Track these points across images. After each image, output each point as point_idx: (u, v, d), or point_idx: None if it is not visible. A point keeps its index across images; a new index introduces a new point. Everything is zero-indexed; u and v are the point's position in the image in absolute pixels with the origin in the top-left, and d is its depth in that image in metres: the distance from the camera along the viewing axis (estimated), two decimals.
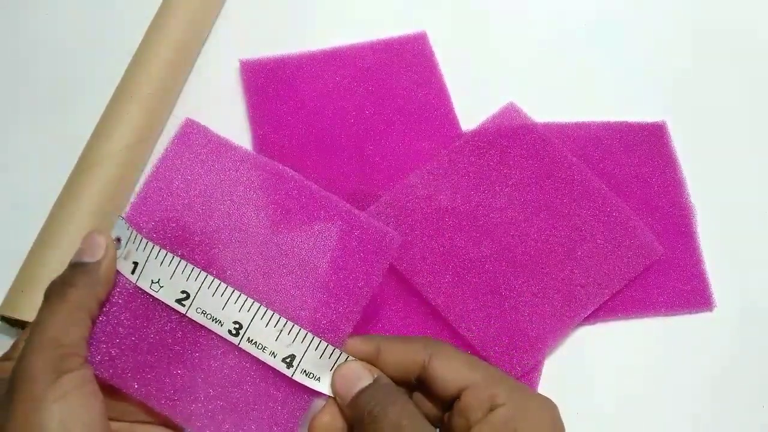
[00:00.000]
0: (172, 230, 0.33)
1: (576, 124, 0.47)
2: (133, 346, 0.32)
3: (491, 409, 0.30)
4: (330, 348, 0.32)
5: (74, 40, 0.50)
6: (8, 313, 0.39)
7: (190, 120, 0.34)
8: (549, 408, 0.31)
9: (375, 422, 0.29)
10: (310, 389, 0.32)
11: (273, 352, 0.32)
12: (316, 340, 0.32)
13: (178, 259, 0.32)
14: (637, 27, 0.53)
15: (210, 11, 0.50)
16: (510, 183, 0.44)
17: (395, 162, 0.46)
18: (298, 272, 0.33)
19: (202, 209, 0.33)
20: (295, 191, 0.34)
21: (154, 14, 0.48)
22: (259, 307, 0.32)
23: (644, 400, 0.41)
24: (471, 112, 0.47)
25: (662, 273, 0.43)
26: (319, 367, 0.32)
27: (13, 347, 0.32)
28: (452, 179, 0.44)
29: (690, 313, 0.43)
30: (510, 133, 0.45)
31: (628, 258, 0.42)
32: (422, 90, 0.48)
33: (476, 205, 0.43)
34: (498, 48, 0.51)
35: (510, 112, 0.46)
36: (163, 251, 0.32)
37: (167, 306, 0.32)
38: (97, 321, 0.32)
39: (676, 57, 0.52)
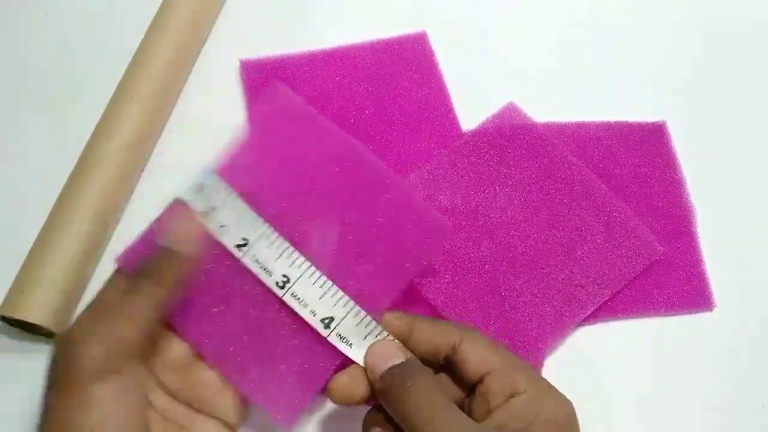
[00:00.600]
0: (247, 178, 0.35)
1: (576, 124, 0.47)
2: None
3: (511, 396, 0.31)
4: (368, 318, 0.33)
5: (74, 40, 0.50)
6: (8, 313, 0.39)
7: (276, 84, 0.37)
8: (566, 402, 0.32)
9: (406, 393, 0.30)
10: (340, 353, 0.33)
11: (313, 311, 0.33)
12: (357, 308, 0.34)
13: (246, 205, 0.34)
14: (637, 27, 0.53)
15: (210, 11, 0.50)
16: (510, 183, 0.44)
17: (395, 162, 0.46)
18: (353, 242, 0.35)
19: (280, 166, 0.36)
20: (368, 167, 0.37)
21: (154, 14, 0.48)
22: (310, 266, 0.34)
23: (644, 400, 0.41)
24: (471, 112, 0.47)
25: (662, 273, 0.43)
26: (354, 334, 0.33)
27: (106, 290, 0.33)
28: (452, 179, 0.44)
29: (690, 313, 0.43)
30: (510, 133, 0.45)
31: (628, 258, 0.42)
32: (422, 90, 0.48)
33: (476, 205, 0.43)
34: (498, 48, 0.51)
35: (510, 112, 0.46)
36: (234, 195, 0.34)
37: (223, 251, 0.34)
38: None
39: (676, 57, 0.52)
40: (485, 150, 0.45)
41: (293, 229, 0.35)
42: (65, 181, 0.43)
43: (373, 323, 0.33)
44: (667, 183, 0.46)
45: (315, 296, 0.33)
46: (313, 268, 0.34)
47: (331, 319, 0.33)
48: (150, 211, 0.45)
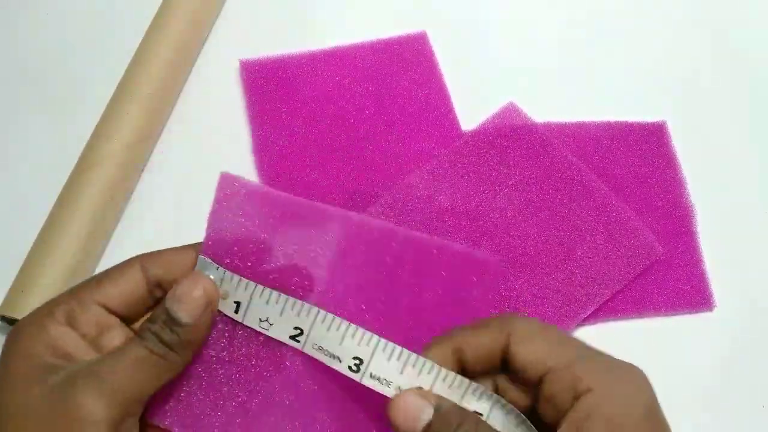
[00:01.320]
0: (260, 270, 0.31)
1: (576, 124, 0.47)
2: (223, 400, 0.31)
3: (576, 396, 0.27)
4: (458, 378, 0.30)
5: (74, 40, 0.50)
6: (8, 313, 0.39)
7: (227, 176, 0.32)
8: (639, 379, 0.28)
9: None
10: None
11: (399, 387, 0.29)
12: (444, 371, 0.29)
13: (286, 296, 0.30)
14: (637, 27, 0.53)
15: (210, 11, 0.50)
16: (510, 183, 0.44)
17: (395, 162, 0.46)
18: (406, 310, 0.32)
19: (280, 258, 0.32)
20: (365, 228, 0.32)
21: (154, 14, 0.48)
22: (379, 341, 0.30)
23: None
24: (471, 112, 0.47)
25: (662, 273, 0.43)
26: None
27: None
28: (452, 179, 0.44)
29: (690, 313, 0.43)
30: (510, 133, 0.45)
31: (628, 258, 0.42)
32: (422, 90, 0.48)
33: (476, 206, 0.43)
34: (498, 48, 0.51)
35: (510, 112, 0.46)
36: (268, 290, 0.30)
37: (263, 353, 0.31)
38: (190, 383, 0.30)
39: (676, 57, 0.52)
40: (485, 150, 0.45)
41: (339, 306, 0.31)
42: (65, 181, 0.43)
43: (466, 381, 0.29)
44: (667, 183, 0.46)
45: (395, 371, 0.29)
46: (383, 342, 0.29)
47: (420, 388, 0.29)
48: (150, 211, 0.45)
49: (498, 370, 0.30)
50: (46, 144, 0.47)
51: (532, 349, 0.29)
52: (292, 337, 0.30)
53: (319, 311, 0.30)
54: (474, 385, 0.29)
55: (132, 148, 0.44)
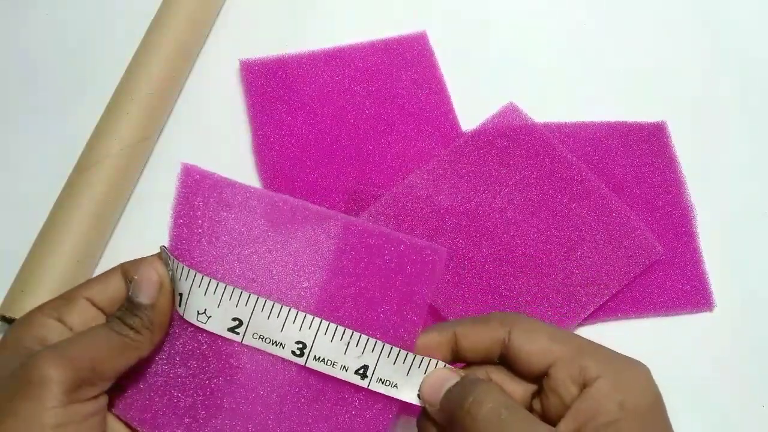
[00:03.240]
0: (214, 260, 0.31)
1: (576, 124, 0.47)
2: (181, 392, 0.31)
3: (585, 384, 0.28)
4: (403, 353, 0.31)
5: (74, 40, 0.50)
6: (8, 313, 0.39)
7: (188, 167, 0.33)
8: (644, 372, 0.29)
9: (471, 417, 0.27)
10: (390, 398, 0.31)
11: (344, 366, 0.30)
12: (387, 346, 0.30)
13: (224, 284, 0.30)
14: (638, 27, 0.53)
15: (210, 11, 0.50)
16: (510, 183, 0.44)
17: (395, 162, 0.46)
18: (352, 296, 0.32)
19: (236, 249, 0.32)
20: (323, 221, 0.32)
21: (155, 14, 0.48)
22: (321, 322, 0.30)
23: None
24: (471, 112, 0.47)
25: (662, 273, 0.43)
26: (394, 374, 0.31)
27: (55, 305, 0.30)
28: (452, 179, 0.44)
29: (690, 313, 0.43)
30: (510, 134, 0.45)
31: (628, 258, 0.42)
32: (422, 90, 0.48)
33: (476, 206, 0.43)
34: (498, 48, 0.51)
35: (510, 112, 0.46)
36: (207, 278, 0.30)
37: (215, 341, 0.31)
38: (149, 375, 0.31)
39: (676, 57, 0.52)
40: (485, 150, 0.45)
41: (283, 293, 0.31)
42: (65, 181, 0.43)
43: (411, 355, 0.31)
44: (667, 183, 0.46)
45: (339, 351, 0.30)
46: (325, 323, 0.30)
47: (365, 367, 0.30)
48: (150, 211, 0.45)
49: (494, 363, 0.31)
50: (46, 144, 0.47)
51: (536, 343, 0.29)
52: (231, 329, 0.30)
53: (258, 299, 0.30)
54: (419, 359, 0.30)
55: (132, 148, 0.44)
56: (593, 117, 0.48)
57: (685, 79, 0.51)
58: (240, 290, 0.30)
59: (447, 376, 0.30)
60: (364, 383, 0.30)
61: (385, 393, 0.31)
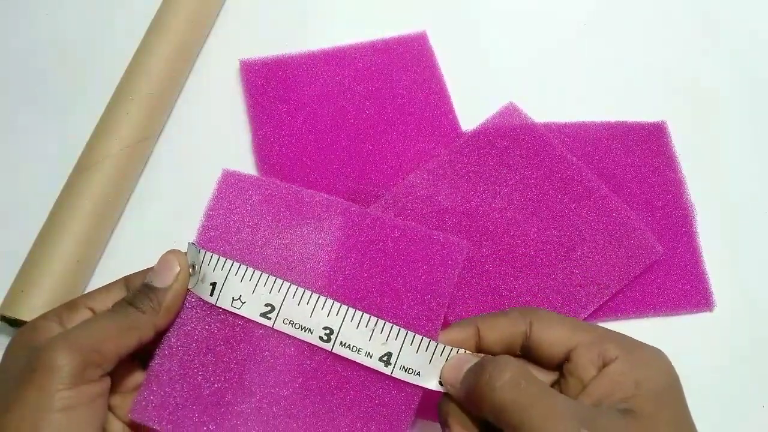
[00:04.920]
0: (246, 251, 0.33)
1: (576, 124, 0.47)
2: (199, 383, 0.32)
3: (604, 365, 0.29)
4: (426, 341, 0.32)
5: (74, 40, 0.50)
6: (8, 313, 0.39)
7: (228, 173, 0.35)
8: (663, 357, 0.30)
9: (489, 387, 0.28)
10: (411, 385, 0.32)
11: (369, 353, 0.32)
12: (410, 334, 0.32)
13: (259, 272, 0.32)
14: (638, 27, 0.53)
15: (210, 11, 0.50)
16: (510, 183, 0.44)
17: (395, 162, 0.46)
18: (377, 286, 0.33)
19: (272, 233, 0.34)
20: (351, 216, 0.35)
21: (155, 14, 0.48)
22: (348, 310, 0.32)
23: None
24: (471, 112, 0.47)
25: (662, 273, 0.43)
26: (417, 362, 0.32)
27: (71, 306, 0.32)
28: (452, 179, 0.44)
29: (690, 313, 0.43)
30: (510, 134, 0.45)
31: (628, 258, 0.42)
32: (422, 90, 0.48)
33: (476, 206, 0.43)
34: (498, 48, 0.51)
35: (510, 112, 0.46)
36: (244, 266, 0.32)
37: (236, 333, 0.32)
38: (159, 363, 0.32)
39: (676, 57, 0.52)
40: (485, 150, 0.45)
41: (313, 282, 0.33)
42: (65, 181, 0.43)
43: (433, 343, 0.32)
44: (667, 183, 0.46)
45: (364, 338, 0.32)
46: (352, 311, 0.32)
47: (389, 354, 0.32)
48: (150, 210, 0.45)
49: (515, 355, 0.32)
50: (46, 144, 0.47)
51: (557, 331, 0.30)
52: (263, 315, 0.32)
53: (290, 286, 0.32)
54: (441, 347, 0.32)
55: (132, 148, 0.44)
56: (593, 117, 0.48)
57: (685, 79, 0.51)
58: (274, 277, 0.32)
59: (467, 358, 0.31)
60: (387, 370, 0.32)
61: (407, 380, 0.32)
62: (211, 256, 0.32)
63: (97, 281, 0.42)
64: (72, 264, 0.40)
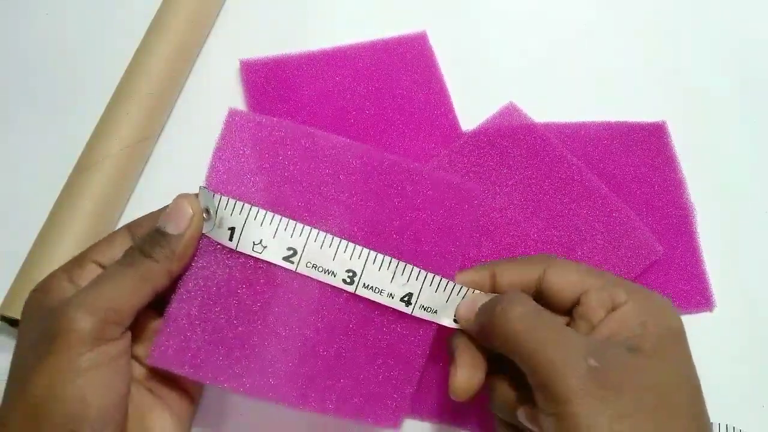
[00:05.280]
0: (261, 193, 0.33)
1: (576, 124, 0.47)
2: (220, 327, 0.32)
3: (613, 308, 0.30)
4: (444, 281, 0.33)
5: (74, 40, 0.50)
6: (8, 313, 0.39)
7: (234, 111, 0.34)
8: (669, 305, 0.31)
9: (503, 318, 0.29)
10: (429, 323, 0.33)
11: (390, 294, 0.33)
12: (430, 275, 0.33)
13: (279, 216, 0.32)
14: (637, 27, 0.53)
15: (210, 11, 0.50)
16: (510, 183, 0.44)
17: None
18: (397, 229, 0.34)
19: (288, 175, 0.34)
20: (367, 158, 0.35)
21: (155, 14, 0.48)
22: (369, 252, 0.33)
23: None
24: (471, 112, 0.47)
25: (662, 273, 0.43)
26: (435, 301, 0.33)
27: (80, 260, 0.32)
28: None
29: (690, 313, 0.43)
30: (510, 134, 0.45)
31: (628, 258, 0.42)
32: (422, 90, 0.48)
33: None
34: (498, 48, 0.51)
35: (510, 112, 0.46)
36: (263, 210, 0.32)
37: (258, 274, 0.32)
38: (175, 307, 0.32)
39: (676, 57, 0.52)
40: (485, 150, 0.45)
41: (333, 225, 0.33)
42: (65, 181, 0.43)
43: (451, 284, 0.33)
44: (667, 183, 0.46)
45: (386, 280, 0.33)
46: (374, 253, 0.33)
47: (410, 294, 0.33)
48: (150, 210, 0.45)
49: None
50: (46, 144, 0.47)
51: (569, 275, 0.32)
52: (286, 258, 0.32)
53: (311, 229, 0.32)
54: (458, 287, 0.33)
55: (132, 148, 0.44)
56: (593, 117, 0.48)
57: (685, 80, 0.51)
58: (294, 221, 0.32)
59: (479, 296, 0.33)
60: (408, 310, 0.33)
61: (426, 318, 0.33)
62: (227, 200, 0.32)
63: None
64: None
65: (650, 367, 0.28)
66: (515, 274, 0.33)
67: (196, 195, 0.32)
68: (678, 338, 0.30)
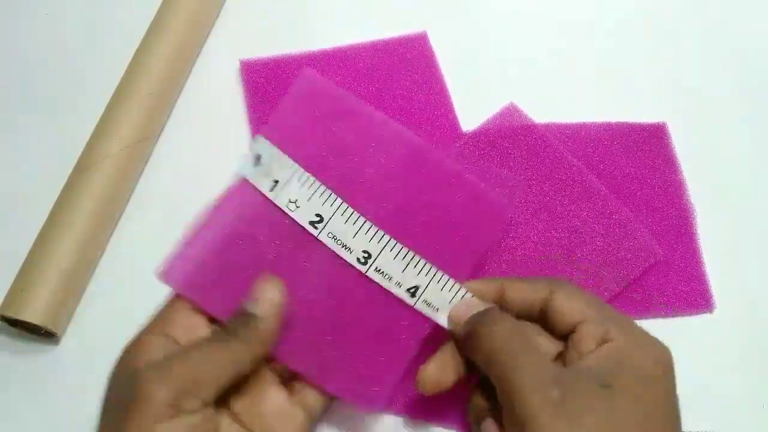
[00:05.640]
0: (307, 157, 0.35)
1: (576, 124, 0.47)
2: (241, 270, 0.33)
3: (603, 342, 0.31)
4: (451, 282, 0.34)
5: (74, 40, 0.50)
6: (8, 313, 0.39)
7: (308, 72, 0.36)
8: (661, 349, 0.31)
9: (487, 332, 0.30)
10: (427, 319, 0.34)
11: (398, 282, 0.33)
12: (440, 273, 0.34)
13: (319, 182, 0.34)
14: (638, 27, 0.53)
15: (210, 11, 0.50)
16: (510, 184, 0.44)
17: None
18: (421, 224, 0.35)
19: (335, 147, 0.35)
20: (416, 150, 0.36)
21: (155, 14, 0.48)
22: (389, 240, 0.34)
23: None
24: (471, 113, 0.47)
25: (662, 275, 0.43)
26: (439, 299, 0.34)
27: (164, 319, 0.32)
28: None
29: (690, 314, 0.43)
30: (510, 134, 0.45)
31: (628, 260, 0.42)
32: (422, 90, 0.48)
33: None
34: (498, 48, 0.51)
35: (510, 112, 0.46)
36: (306, 173, 0.34)
37: (288, 231, 0.33)
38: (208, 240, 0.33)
39: (676, 57, 0.52)
40: (485, 151, 0.45)
41: (362, 204, 0.34)
42: (65, 181, 0.43)
43: (457, 286, 0.34)
44: (667, 184, 0.46)
45: (398, 268, 0.33)
46: (393, 241, 0.34)
47: (416, 287, 0.33)
48: (150, 211, 0.45)
49: (533, 320, 0.34)
50: (46, 144, 0.47)
51: (572, 302, 0.32)
52: (312, 223, 0.34)
53: (341, 203, 0.34)
54: (463, 290, 0.33)
55: (132, 148, 0.44)
56: (593, 117, 0.48)
57: (685, 80, 0.51)
58: (330, 191, 0.34)
59: (475, 303, 0.33)
60: (411, 301, 0.34)
61: (426, 313, 0.34)
62: (281, 154, 0.34)
63: (97, 281, 0.42)
64: (72, 264, 0.40)
65: (617, 405, 0.28)
66: (523, 292, 0.33)
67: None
68: (660, 383, 0.30)
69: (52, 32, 0.51)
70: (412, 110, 0.47)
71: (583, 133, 0.47)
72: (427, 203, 0.35)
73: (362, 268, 0.33)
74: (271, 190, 0.34)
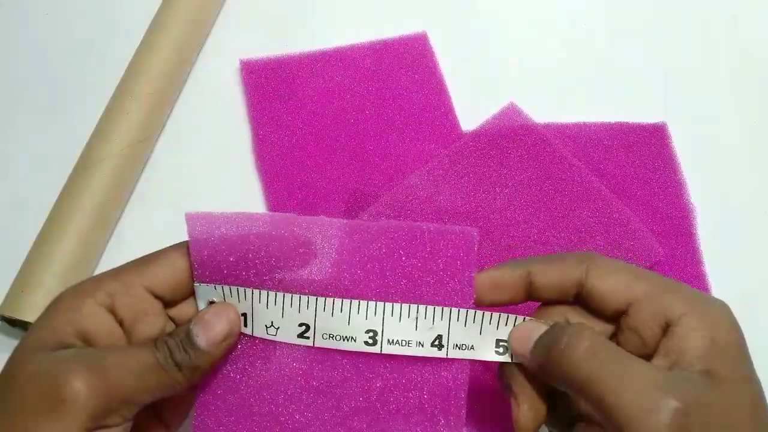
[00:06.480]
0: (257, 279, 0.31)
1: (576, 124, 0.47)
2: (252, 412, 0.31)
3: (668, 323, 0.27)
4: (471, 312, 0.30)
5: (74, 40, 0.50)
6: (8, 313, 0.39)
7: (192, 215, 0.30)
8: (729, 311, 0.28)
9: (567, 357, 0.26)
10: (462, 362, 0.31)
11: (420, 342, 0.30)
12: (455, 310, 0.30)
13: (282, 294, 0.30)
14: (638, 27, 0.53)
15: (210, 11, 0.50)
16: (510, 184, 0.44)
17: (395, 162, 0.46)
18: (401, 292, 0.31)
19: (270, 269, 0.31)
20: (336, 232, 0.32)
21: (154, 14, 0.48)
22: (385, 305, 0.30)
23: None
24: (471, 112, 0.47)
25: (662, 274, 0.43)
26: (468, 336, 0.30)
27: None
28: (452, 180, 0.44)
29: None
30: (510, 134, 0.45)
31: (628, 260, 0.42)
32: (422, 90, 0.48)
33: (476, 207, 0.43)
34: (498, 48, 0.51)
35: (510, 112, 0.46)
36: (265, 291, 0.30)
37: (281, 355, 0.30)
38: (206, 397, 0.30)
39: (676, 57, 0.52)
40: (485, 151, 0.45)
41: (349, 290, 0.31)
42: (65, 181, 0.43)
43: (479, 313, 0.30)
44: (668, 184, 0.46)
45: (410, 328, 0.30)
46: (389, 305, 0.30)
47: (440, 337, 0.30)
48: (150, 210, 0.45)
49: (569, 302, 0.30)
50: (46, 144, 0.47)
51: (614, 281, 0.28)
52: (300, 335, 0.30)
53: (317, 299, 0.30)
54: (488, 315, 0.30)
55: (132, 148, 0.44)
56: (593, 117, 0.48)
57: (685, 80, 0.51)
58: (299, 295, 0.30)
59: (533, 326, 0.29)
60: (442, 353, 0.30)
61: (463, 357, 0.30)
62: (230, 288, 0.30)
63: None
64: (72, 264, 0.40)
65: (730, 399, 0.26)
66: (555, 276, 0.29)
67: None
68: (744, 349, 0.27)
69: (52, 32, 0.51)
70: (412, 110, 0.47)
71: (583, 133, 0.47)
72: (395, 270, 0.31)
73: (375, 349, 0.30)
74: (245, 325, 0.30)
